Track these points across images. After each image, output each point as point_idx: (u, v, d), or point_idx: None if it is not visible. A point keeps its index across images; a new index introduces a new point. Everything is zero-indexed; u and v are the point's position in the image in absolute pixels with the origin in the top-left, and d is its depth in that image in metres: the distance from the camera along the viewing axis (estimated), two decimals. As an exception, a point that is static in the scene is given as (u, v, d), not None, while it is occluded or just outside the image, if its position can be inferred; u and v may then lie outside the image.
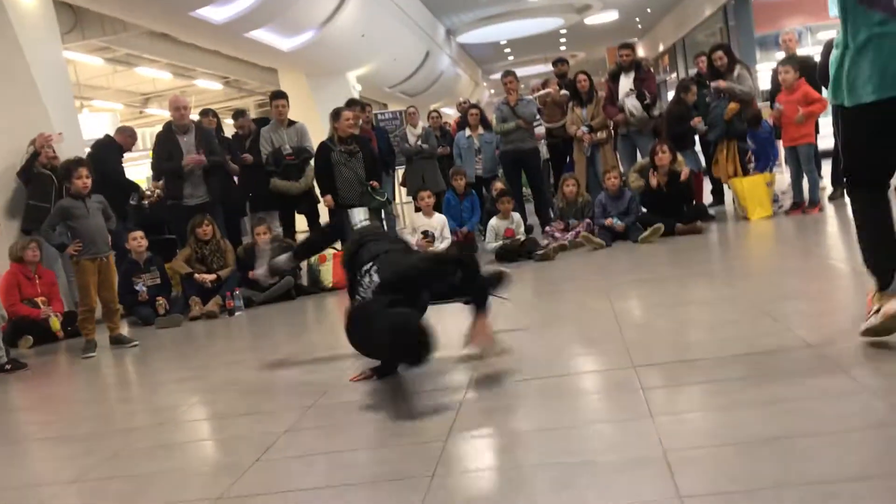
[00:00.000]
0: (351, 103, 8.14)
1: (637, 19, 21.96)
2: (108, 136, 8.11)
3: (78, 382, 5.02)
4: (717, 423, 2.58)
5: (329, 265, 7.14)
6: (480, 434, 2.85)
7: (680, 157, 7.49)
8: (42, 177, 7.03)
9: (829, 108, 7.43)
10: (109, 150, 7.78)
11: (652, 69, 8.55)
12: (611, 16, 19.68)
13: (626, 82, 8.38)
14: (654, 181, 7.28)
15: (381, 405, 3.32)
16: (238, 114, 8.68)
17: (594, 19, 20.08)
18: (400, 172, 10.82)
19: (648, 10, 21.35)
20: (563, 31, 21.99)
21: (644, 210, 7.51)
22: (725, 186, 8.39)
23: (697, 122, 7.96)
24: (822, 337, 3.33)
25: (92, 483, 2.85)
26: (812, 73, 7.68)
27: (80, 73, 15.91)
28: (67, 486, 2.87)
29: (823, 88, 7.40)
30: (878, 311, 2.94)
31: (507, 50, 23.38)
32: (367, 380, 3.62)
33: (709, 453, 2.34)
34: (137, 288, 6.68)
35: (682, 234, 7.07)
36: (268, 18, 11.72)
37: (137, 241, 6.83)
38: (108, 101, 18.93)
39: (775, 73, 8.16)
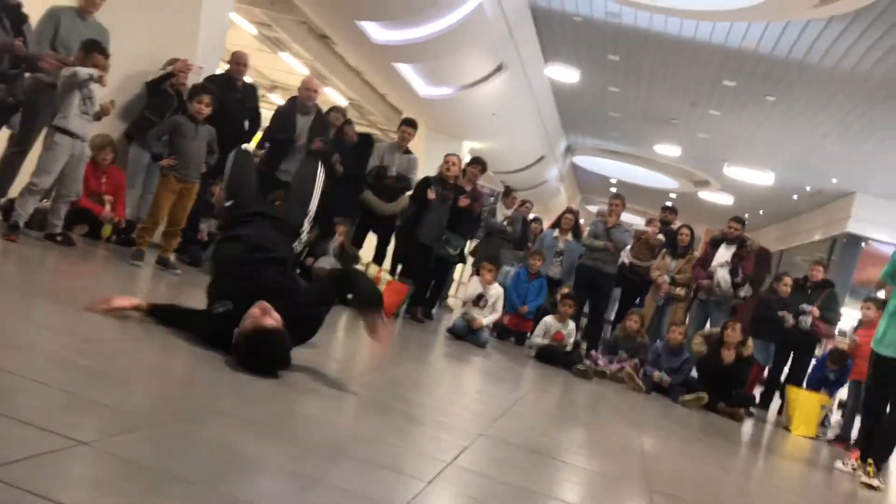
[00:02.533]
0: (474, 161, 8.25)
1: (747, 215, 21.98)
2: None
3: (105, 274, 5.02)
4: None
5: (381, 289, 7.09)
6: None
7: (750, 342, 7.32)
8: (166, 95, 7.22)
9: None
10: None
11: (754, 251, 8.44)
12: (725, 199, 19.75)
13: (724, 253, 8.31)
14: (727, 355, 7.08)
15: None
16: (336, 108, 8.84)
17: (707, 196, 20.17)
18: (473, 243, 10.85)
19: (761, 213, 21.39)
20: (673, 196, 22.13)
21: (693, 376, 7.31)
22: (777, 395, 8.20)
23: (785, 314, 7.84)
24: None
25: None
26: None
27: (229, 41, 16.60)
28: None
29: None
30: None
31: (613, 189, 23.59)
32: None
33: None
34: (201, 227, 6.73)
35: (721, 414, 6.85)
36: (419, 58, 12.09)
37: (221, 191, 6.93)
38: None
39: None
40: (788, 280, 8.23)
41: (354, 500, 2.01)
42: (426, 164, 9.42)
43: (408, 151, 7.96)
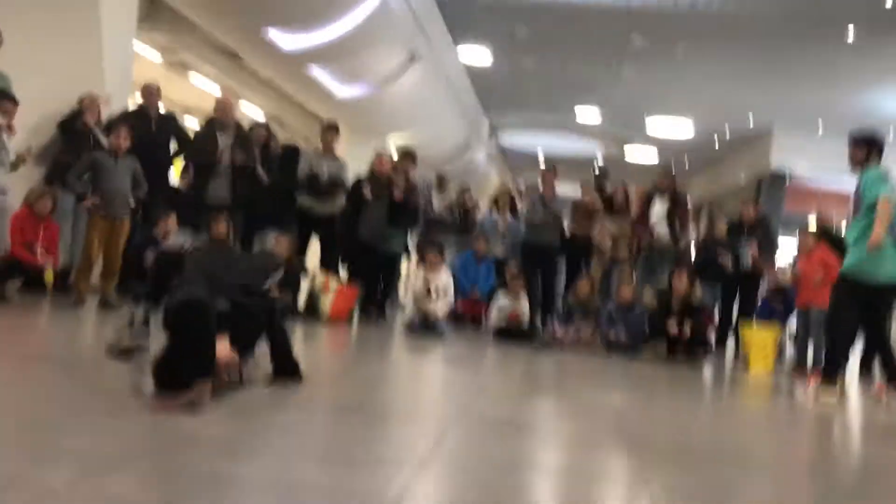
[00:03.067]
0: (405, 155, 8.24)
1: (673, 171, 22.45)
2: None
3: (47, 325, 4.88)
4: None
5: (330, 296, 7.05)
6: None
7: (698, 289, 7.49)
8: (80, 134, 7.01)
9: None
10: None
11: (688, 201, 8.62)
12: (650, 155, 20.13)
13: (660, 207, 8.46)
14: (677, 304, 7.20)
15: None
16: (258, 125, 8.74)
17: (633, 154, 20.53)
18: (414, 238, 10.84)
19: (686, 166, 21.87)
20: (600, 163, 22.48)
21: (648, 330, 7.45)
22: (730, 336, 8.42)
23: (724, 259, 8.04)
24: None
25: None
26: (833, 241, 7.82)
27: (136, 73, 16.21)
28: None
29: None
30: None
31: (542, 166, 23.80)
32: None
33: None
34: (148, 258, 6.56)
35: (680, 363, 7.01)
36: (332, 59, 11.99)
37: (167, 223, 6.79)
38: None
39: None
40: (723, 227, 8.42)
41: (346, 496, 2.00)
42: (352, 165, 9.38)
43: (334, 156, 7.91)
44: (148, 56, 14.92)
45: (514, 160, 24.50)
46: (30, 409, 2.66)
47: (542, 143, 21.45)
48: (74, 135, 6.99)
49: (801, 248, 7.69)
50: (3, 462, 1.99)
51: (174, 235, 6.58)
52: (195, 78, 16.49)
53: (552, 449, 3.06)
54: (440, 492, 2.23)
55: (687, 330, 7.10)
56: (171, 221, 6.75)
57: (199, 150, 7.36)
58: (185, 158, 7.87)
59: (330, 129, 8.04)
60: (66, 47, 7.20)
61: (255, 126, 8.25)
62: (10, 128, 5.19)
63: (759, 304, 8.47)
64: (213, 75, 15.97)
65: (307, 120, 18.13)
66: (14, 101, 5.21)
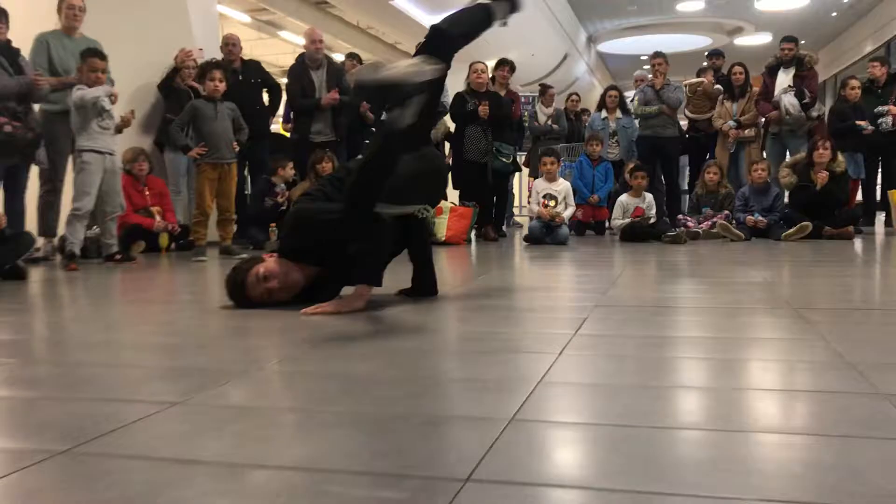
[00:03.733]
0: (501, 63, 7.92)
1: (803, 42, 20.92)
2: None
3: (178, 276, 4.91)
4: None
5: (445, 219, 6.88)
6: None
7: (840, 157, 6.85)
8: (180, 92, 7.06)
9: None
10: None
11: (816, 67, 7.90)
12: (763, 38, 18.75)
13: (784, 78, 7.80)
14: (820, 176, 6.63)
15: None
16: (350, 55, 8.57)
17: (744, 41, 19.19)
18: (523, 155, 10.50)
19: (803, 42, 20.27)
20: (706, 61, 21.20)
21: (787, 210, 6.90)
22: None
23: (864, 123, 7.31)
24: None
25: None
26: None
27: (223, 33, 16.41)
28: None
29: None
30: None
31: (646, 67, 22.74)
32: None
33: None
34: (267, 200, 6.64)
35: (830, 238, 6.45)
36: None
37: (286, 170, 6.81)
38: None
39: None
40: (856, 82, 7.68)
41: (488, 385, 1.80)
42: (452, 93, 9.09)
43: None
44: (237, 18, 15.09)
45: (617, 67, 23.49)
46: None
47: (645, 45, 20.39)
48: (174, 93, 7.05)
49: None
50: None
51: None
52: (286, 35, 16.56)
53: (700, 320, 2.76)
54: (584, 370, 1.99)
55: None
56: (289, 168, 6.75)
57: (296, 92, 7.27)
58: (287, 104, 7.83)
59: (420, 50, 7.76)
60: (154, 19, 7.26)
61: (347, 56, 8.08)
62: (111, 97, 5.21)
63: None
64: (303, 29, 15.98)
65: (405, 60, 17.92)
66: (102, 56, 5.21)
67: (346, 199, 2.84)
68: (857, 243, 6.42)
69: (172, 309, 3.27)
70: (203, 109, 5.57)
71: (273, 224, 6.62)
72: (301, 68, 7.21)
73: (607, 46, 20.81)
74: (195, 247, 5.67)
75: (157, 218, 6.49)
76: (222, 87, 5.58)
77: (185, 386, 1.80)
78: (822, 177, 6.67)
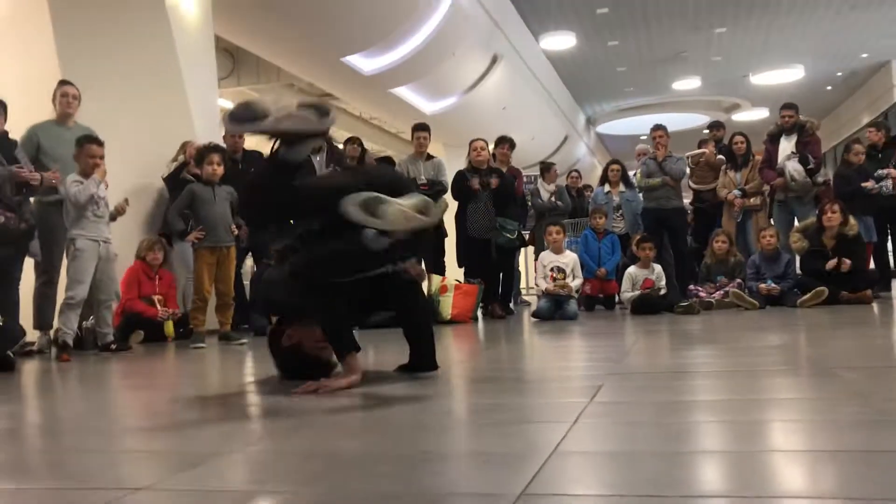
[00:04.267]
0: (500, 140, 7.92)
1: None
2: None
3: (173, 365, 4.73)
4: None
5: (450, 297, 6.71)
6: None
7: (852, 220, 6.71)
8: (186, 184, 7.00)
9: None
10: None
11: (818, 133, 7.86)
12: (761, 114, 18.93)
13: (787, 145, 7.75)
14: (831, 242, 6.48)
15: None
16: (351, 139, 8.57)
17: (742, 116, 19.40)
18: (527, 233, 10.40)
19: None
20: (706, 132, 21.44)
21: (801, 276, 6.73)
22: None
23: (869, 185, 7.21)
24: None
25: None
26: None
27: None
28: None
29: None
30: None
31: (643, 137, 22.97)
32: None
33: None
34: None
35: (848, 303, 6.25)
36: (414, 76, 11.83)
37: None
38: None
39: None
40: (860, 147, 7.61)
41: (493, 458, 1.61)
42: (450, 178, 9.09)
43: (430, 157, 7.65)
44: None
45: (617, 148, 23.71)
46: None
47: (643, 125, 20.61)
48: (181, 186, 6.99)
49: None
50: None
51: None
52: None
53: (715, 384, 2.57)
54: (602, 438, 1.80)
55: (846, 264, 6.36)
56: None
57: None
58: None
59: (419, 130, 7.78)
60: (153, 105, 7.27)
61: (348, 141, 8.07)
62: (102, 175, 5.14)
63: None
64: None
65: (406, 148, 18.12)
66: (99, 143, 5.17)
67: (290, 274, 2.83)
68: (876, 307, 6.21)
69: (156, 394, 3.09)
70: (201, 193, 5.50)
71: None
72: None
73: (606, 127, 21.07)
74: (194, 333, 5.51)
75: (160, 308, 6.34)
76: (220, 170, 5.53)
77: (156, 470, 1.62)
78: (845, 265, 6.47)
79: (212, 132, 7.94)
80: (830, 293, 6.29)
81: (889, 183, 7.49)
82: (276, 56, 11.16)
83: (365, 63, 10.92)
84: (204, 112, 7.85)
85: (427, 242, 6.80)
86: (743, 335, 4.35)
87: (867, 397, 2.04)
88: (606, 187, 8.61)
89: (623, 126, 20.66)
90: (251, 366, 4.34)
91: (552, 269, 6.63)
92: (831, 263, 6.39)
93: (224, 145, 6.73)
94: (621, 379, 2.70)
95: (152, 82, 7.18)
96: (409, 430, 1.97)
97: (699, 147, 8.80)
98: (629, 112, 19.64)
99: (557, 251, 6.76)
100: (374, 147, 17.39)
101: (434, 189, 7.34)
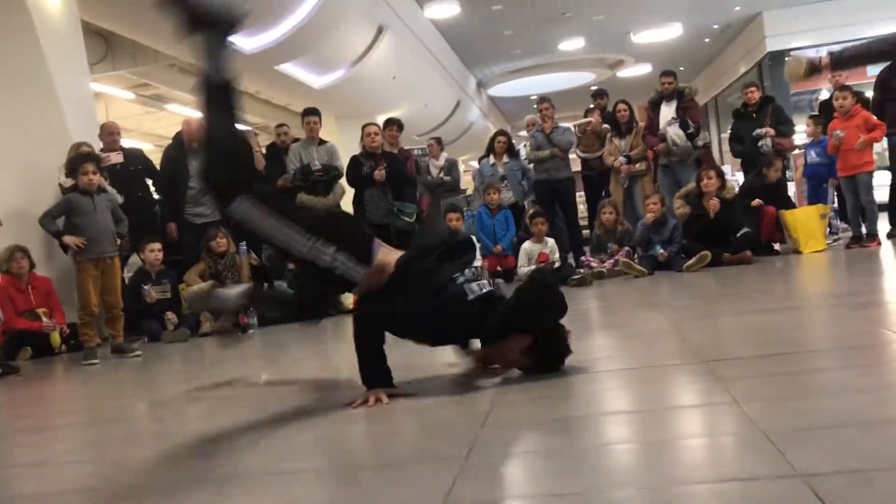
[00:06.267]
0: (388, 122, 7.87)
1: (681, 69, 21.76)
2: None
3: (68, 386, 4.57)
4: (823, 406, 2.07)
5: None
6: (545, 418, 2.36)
7: (729, 182, 7.03)
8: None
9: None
10: None
11: (696, 98, 8.15)
12: (644, 69, 19.43)
13: (667, 111, 8.01)
14: (711, 204, 6.78)
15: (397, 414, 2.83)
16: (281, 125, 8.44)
17: (627, 73, 19.88)
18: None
19: (682, 68, 21.14)
20: (594, 88, 21.87)
21: (686, 241, 7.01)
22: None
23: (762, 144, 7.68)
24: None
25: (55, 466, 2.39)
26: (865, 104, 7.34)
27: (110, 113, 15.92)
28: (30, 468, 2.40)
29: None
30: None
31: (536, 106, 23.26)
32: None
33: (823, 433, 1.84)
34: (145, 288, 6.26)
35: (730, 265, 6.57)
36: (298, 52, 11.57)
37: (154, 253, 6.47)
38: (138, 141, 18.92)
39: (824, 104, 7.84)
40: (780, 164, 7.86)
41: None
42: (347, 152, 9.02)
43: (322, 142, 7.55)
44: (121, 96, 14.66)
45: (509, 109, 23.95)
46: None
47: (533, 85, 20.86)
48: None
49: (841, 108, 7.12)
50: None
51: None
52: (174, 108, 16.21)
53: (614, 386, 2.68)
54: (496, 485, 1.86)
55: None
56: (156, 250, 6.46)
57: (170, 175, 7.02)
58: (156, 186, 7.47)
59: (309, 114, 7.66)
60: (22, 104, 6.86)
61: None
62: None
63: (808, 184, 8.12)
64: (192, 101, 15.64)
65: (298, 121, 17.77)
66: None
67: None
68: (759, 267, 6.52)
69: (47, 438, 2.98)
70: (79, 203, 5.26)
71: (168, 312, 6.29)
72: (178, 153, 6.96)
73: (497, 90, 21.20)
74: (85, 349, 5.30)
75: (45, 319, 6.07)
76: (97, 178, 5.29)
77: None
78: (713, 204, 6.82)
79: (86, 119, 7.54)
80: (714, 256, 6.58)
81: (769, 141, 7.86)
82: (153, 39, 10.70)
83: (246, 42, 10.58)
84: (77, 99, 7.46)
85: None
86: (631, 315, 4.53)
87: (739, 403, 2.17)
88: (492, 159, 8.65)
89: (514, 88, 20.84)
90: (149, 384, 4.23)
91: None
92: (714, 203, 6.72)
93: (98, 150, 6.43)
94: (513, 395, 2.77)
95: (15, 74, 6.80)
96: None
97: (585, 116, 9.00)
98: (519, 74, 19.81)
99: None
100: (261, 121, 17.01)
101: (330, 175, 7.28)
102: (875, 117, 7.03)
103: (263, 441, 2.37)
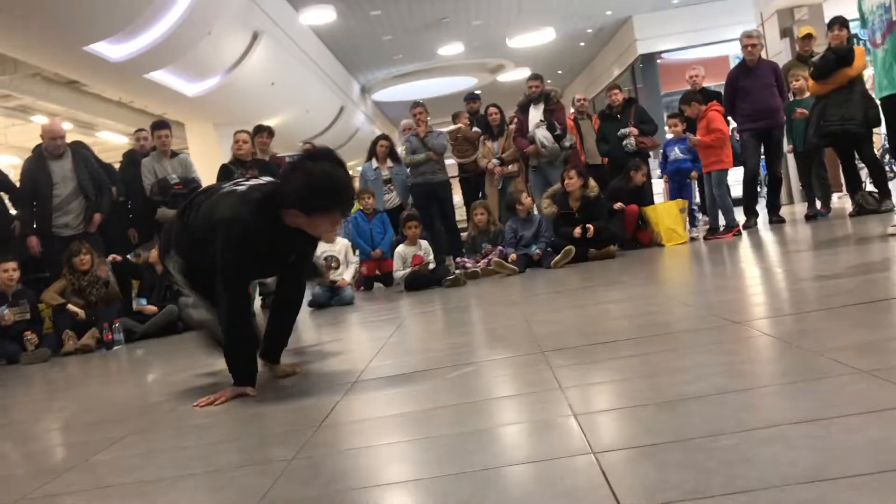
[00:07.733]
0: (258, 129, 7.79)
1: (549, 81, 22.37)
2: None
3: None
4: (632, 388, 2.22)
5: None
6: (366, 416, 2.42)
7: (592, 182, 7.31)
8: None
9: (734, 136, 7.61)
10: None
11: (561, 100, 8.44)
12: (524, 73, 19.87)
13: (535, 114, 8.25)
14: (575, 204, 7.04)
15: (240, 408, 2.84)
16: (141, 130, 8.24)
17: (507, 77, 20.31)
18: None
19: (559, 72, 21.79)
20: (478, 92, 22.21)
21: (554, 238, 7.25)
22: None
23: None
24: (742, 317, 3.05)
25: None
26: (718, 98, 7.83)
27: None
28: None
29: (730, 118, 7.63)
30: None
31: (410, 111, 23.45)
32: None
33: (624, 413, 1.98)
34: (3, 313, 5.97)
35: (595, 259, 6.84)
36: (169, 59, 11.29)
37: (9, 272, 6.17)
38: (6, 154, 18.02)
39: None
40: (645, 170, 8.23)
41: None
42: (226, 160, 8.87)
43: (175, 154, 7.44)
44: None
45: (394, 113, 24.06)
46: None
47: (417, 90, 21.03)
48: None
49: (693, 114, 7.58)
50: None
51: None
52: (40, 119, 15.50)
53: (446, 386, 2.77)
54: None
55: (590, 231, 6.97)
56: (10, 269, 6.18)
57: (30, 188, 6.77)
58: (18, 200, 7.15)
59: (158, 128, 7.51)
60: None
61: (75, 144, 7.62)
62: None
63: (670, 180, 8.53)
64: (61, 111, 14.99)
65: (176, 130, 17.29)
66: None
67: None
68: (623, 260, 6.81)
69: None
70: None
71: (28, 332, 6.01)
72: (39, 162, 6.71)
73: (381, 95, 21.28)
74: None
75: None
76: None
77: None
78: (590, 231, 7.02)
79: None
80: (579, 251, 6.83)
81: (632, 140, 8.26)
82: (11, 48, 10.22)
83: (111, 50, 10.26)
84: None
85: None
86: (490, 311, 4.66)
87: (563, 390, 2.29)
88: (374, 162, 8.71)
89: (399, 92, 20.96)
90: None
91: (325, 259, 6.71)
92: (577, 231, 6.94)
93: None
94: (364, 386, 2.83)
95: None
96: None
97: (453, 120, 9.18)
98: (403, 78, 19.95)
99: (329, 241, 6.84)
100: (121, 127, 16.49)
101: (189, 188, 7.14)
102: (722, 116, 7.46)
103: (93, 458, 2.34)
